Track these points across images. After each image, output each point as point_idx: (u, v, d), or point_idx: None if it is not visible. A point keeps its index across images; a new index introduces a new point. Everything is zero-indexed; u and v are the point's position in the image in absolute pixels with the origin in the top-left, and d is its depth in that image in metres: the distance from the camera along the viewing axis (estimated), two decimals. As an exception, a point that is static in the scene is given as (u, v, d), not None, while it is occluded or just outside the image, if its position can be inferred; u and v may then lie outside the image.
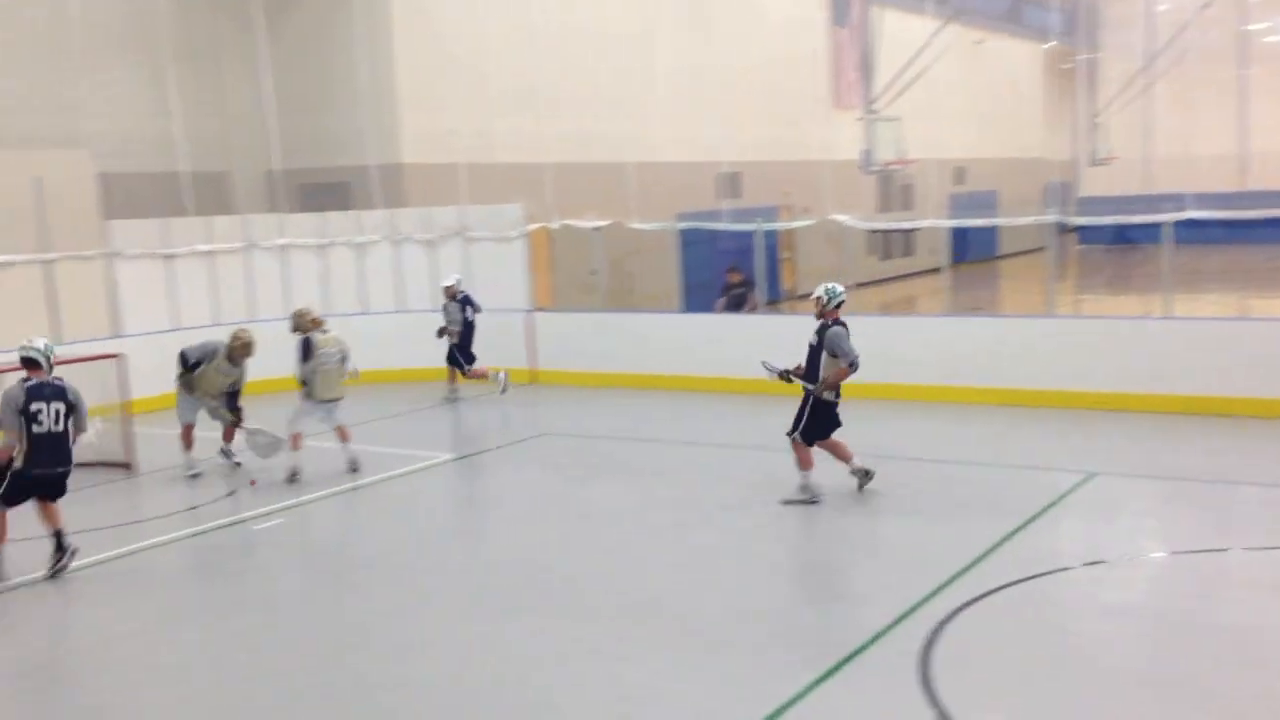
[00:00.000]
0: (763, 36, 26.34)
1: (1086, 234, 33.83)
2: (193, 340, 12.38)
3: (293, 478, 11.40)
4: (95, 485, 11.67)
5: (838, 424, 10.00)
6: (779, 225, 19.45)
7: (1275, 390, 12.37)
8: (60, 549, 8.85)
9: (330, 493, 11.13)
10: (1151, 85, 35.89)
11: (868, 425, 12.87)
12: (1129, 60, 36.55)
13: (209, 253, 16.85)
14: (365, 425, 13.43)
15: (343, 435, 11.81)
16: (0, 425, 8.67)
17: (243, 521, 10.29)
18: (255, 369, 12.50)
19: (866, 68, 27.61)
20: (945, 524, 9.34)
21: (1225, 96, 35.35)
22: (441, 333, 15.72)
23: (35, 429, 8.63)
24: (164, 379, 12.12)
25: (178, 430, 11.98)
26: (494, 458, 12.73)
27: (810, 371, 9.86)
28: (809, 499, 9.86)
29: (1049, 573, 8.02)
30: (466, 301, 15.87)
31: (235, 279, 17.02)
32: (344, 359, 11.67)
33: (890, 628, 7.11)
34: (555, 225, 17.74)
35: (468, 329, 15.78)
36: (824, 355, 9.77)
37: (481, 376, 15.73)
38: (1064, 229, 22.06)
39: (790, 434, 9.91)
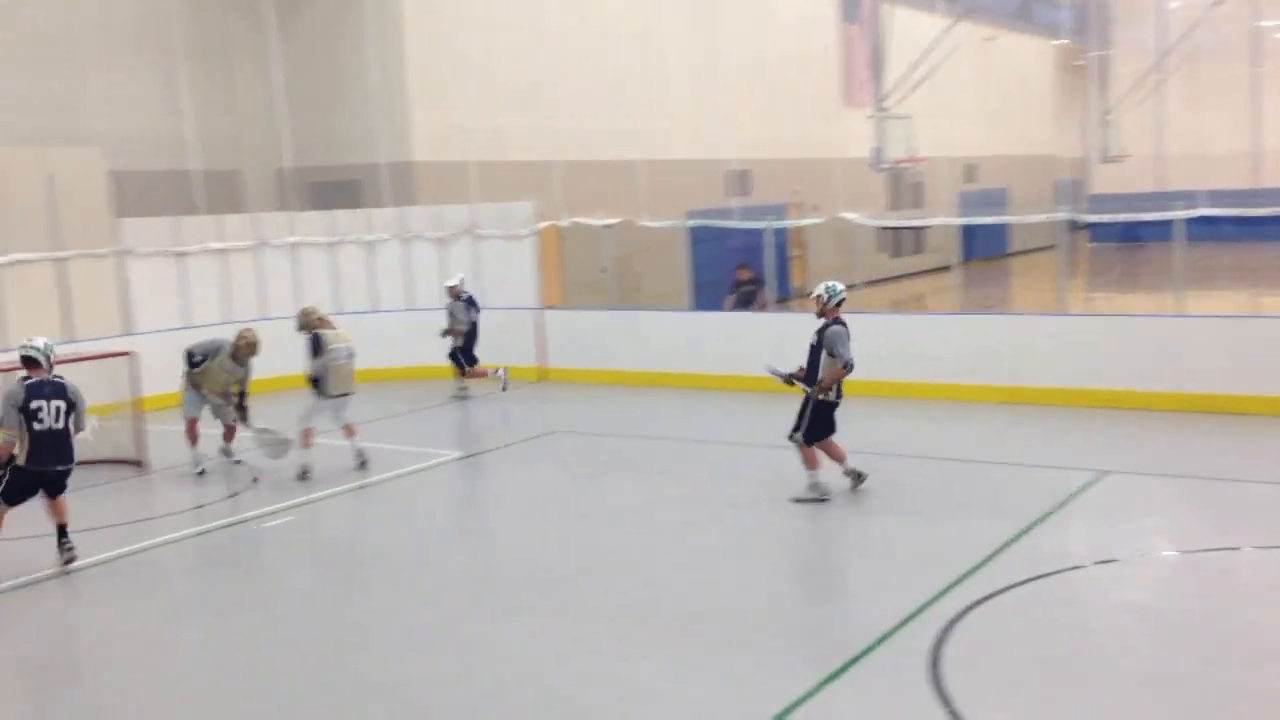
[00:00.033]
0: (772, 34, 26.31)
1: (1098, 231, 33.74)
2: (201, 338, 12.43)
3: (303, 475, 11.43)
4: (106, 483, 11.72)
5: (833, 429, 9.97)
6: (789, 223, 19.43)
7: (1288, 388, 12.33)
8: (64, 539, 8.95)
9: (339, 490, 11.15)
10: (1163, 82, 35.79)
11: (878, 423, 12.89)
12: (1140, 57, 36.44)
13: (220, 251, 16.89)
14: (374, 423, 13.46)
15: (349, 431, 11.84)
16: (1, 423, 8.73)
17: (252, 520, 10.31)
18: (267, 366, 12.55)
19: (877, 65, 27.56)
20: (955, 522, 9.33)
21: (1237, 93, 35.25)
22: (446, 333, 15.72)
23: (36, 426, 8.70)
24: (175, 376, 12.16)
25: (206, 429, 12.03)
26: (502, 455, 12.74)
27: (811, 371, 9.85)
28: (818, 497, 9.86)
29: (1060, 571, 8.00)
30: (471, 301, 15.89)
31: (246, 277, 17.06)
32: (350, 355, 11.71)
33: (900, 626, 7.10)
34: (565, 223, 17.75)
35: (472, 329, 15.80)
36: (824, 354, 9.75)
37: (481, 375, 15.77)
38: (1075, 226, 22.02)
39: (792, 435, 9.90)
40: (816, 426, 9.84)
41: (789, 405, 10.06)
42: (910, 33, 26.95)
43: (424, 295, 17.39)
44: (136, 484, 11.86)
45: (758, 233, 16.79)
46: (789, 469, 10.16)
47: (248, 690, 6.82)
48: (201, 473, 11.81)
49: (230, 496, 11.06)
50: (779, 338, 10.59)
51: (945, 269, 20.66)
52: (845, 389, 10.00)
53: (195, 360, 11.84)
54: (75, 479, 11.20)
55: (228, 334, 12.20)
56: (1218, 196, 14.81)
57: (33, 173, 14.84)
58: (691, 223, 18.47)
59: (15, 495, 8.84)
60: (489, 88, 19.46)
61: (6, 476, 8.77)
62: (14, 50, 16.18)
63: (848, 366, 9.68)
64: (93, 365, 12.22)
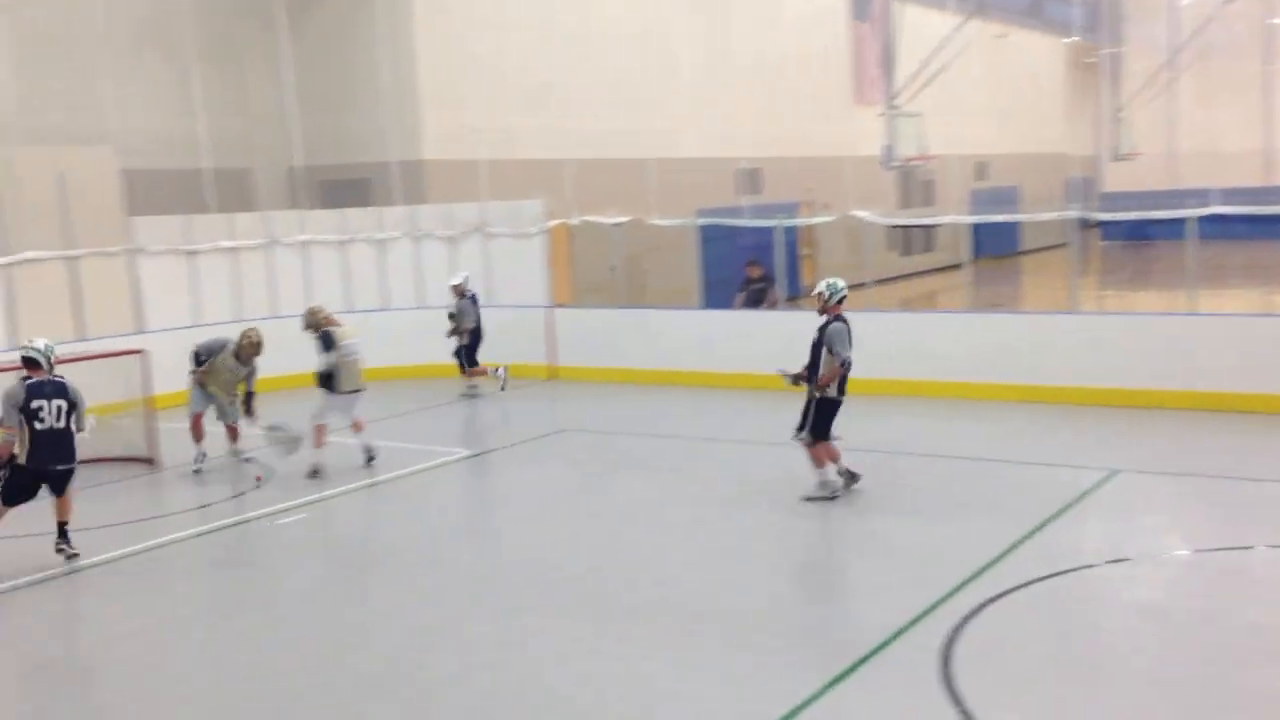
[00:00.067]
0: (783, 32, 26.28)
1: (1109, 229, 33.59)
2: (207, 337, 12.46)
3: (315, 473, 11.45)
4: (117, 481, 11.77)
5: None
6: (799, 221, 19.40)
7: (1300, 387, 12.28)
8: (63, 538, 9.01)
9: (349, 489, 11.17)
10: (1175, 80, 35.65)
11: (888, 421, 12.88)
12: (1152, 55, 36.30)
13: (231, 249, 16.93)
14: (384, 421, 13.48)
15: (357, 427, 11.87)
16: (1, 422, 8.77)
17: (262, 518, 10.33)
18: (277, 365, 12.57)
19: (887, 63, 27.50)
20: (966, 521, 9.31)
21: (1249, 91, 35.10)
22: (454, 332, 15.72)
23: (38, 426, 8.75)
24: (185, 375, 12.20)
25: (211, 426, 12.06)
26: (512, 454, 12.75)
27: (814, 369, 9.84)
28: (829, 495, 9.85)
29: (1072, 570, 7.98)
30: (475, 300, 15.90)
31: (257, 275, 17.10)
32: (359, 352, 11.75)
33: (911, 625, 7.08)
34: (575, 221, 17.75)
35: (477, 328, 15.80)
36: (824, 352, 9.74)
37: (481, 374, 15.78)
38: (1086, 224, 21.93)
39: (798, 434, 9.88)
40: (822, 424, 9.83)
41: (799, 404, 10.05)
42: (921, 30, 26.89)
43: (434, 293, 17.40)
44: (148, 481, 11.90)
45: (768, 231, 16.76)
46: (799, 468, 10.15)
47: (251, 689, 6.83)
48: (197, 471, 11.84)
49: (237, 496, 11.07)
50: (789, 336, 10.57)
51: (956, 267, 20.62)
52: (852, 387, 9.97)
53: (200, 359, 11.88)
54: (86, 477, 11.27)
55: (238, 332, 12.23)
56: (1230, 194, 14.74)
57: (45, 171, 14.90)
58: (702, 221, 18.45)
59: (15, 495, 8.89)
60: (499, 87, 19.48)
61: (6, 476, 8.82)
62: (27, 50, 16.24)
63: (845, 364, 9.67)
64: (104, 363, 12.28)
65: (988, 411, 13.33)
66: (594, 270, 18.52)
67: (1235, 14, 33.81)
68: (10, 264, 14.47)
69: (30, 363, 8.94)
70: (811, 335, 9.88)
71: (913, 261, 29.56)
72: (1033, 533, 8.79)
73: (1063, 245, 19.75)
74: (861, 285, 16.11)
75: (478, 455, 12.77)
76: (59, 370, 9.11)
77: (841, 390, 9.84)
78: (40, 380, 8.88)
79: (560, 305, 17.49)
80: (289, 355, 12.94)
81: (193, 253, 16.55)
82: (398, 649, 7.26)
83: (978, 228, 17.77)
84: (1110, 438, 11.90)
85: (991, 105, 33.52)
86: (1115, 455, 11.06)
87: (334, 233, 17.66)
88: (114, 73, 16.94)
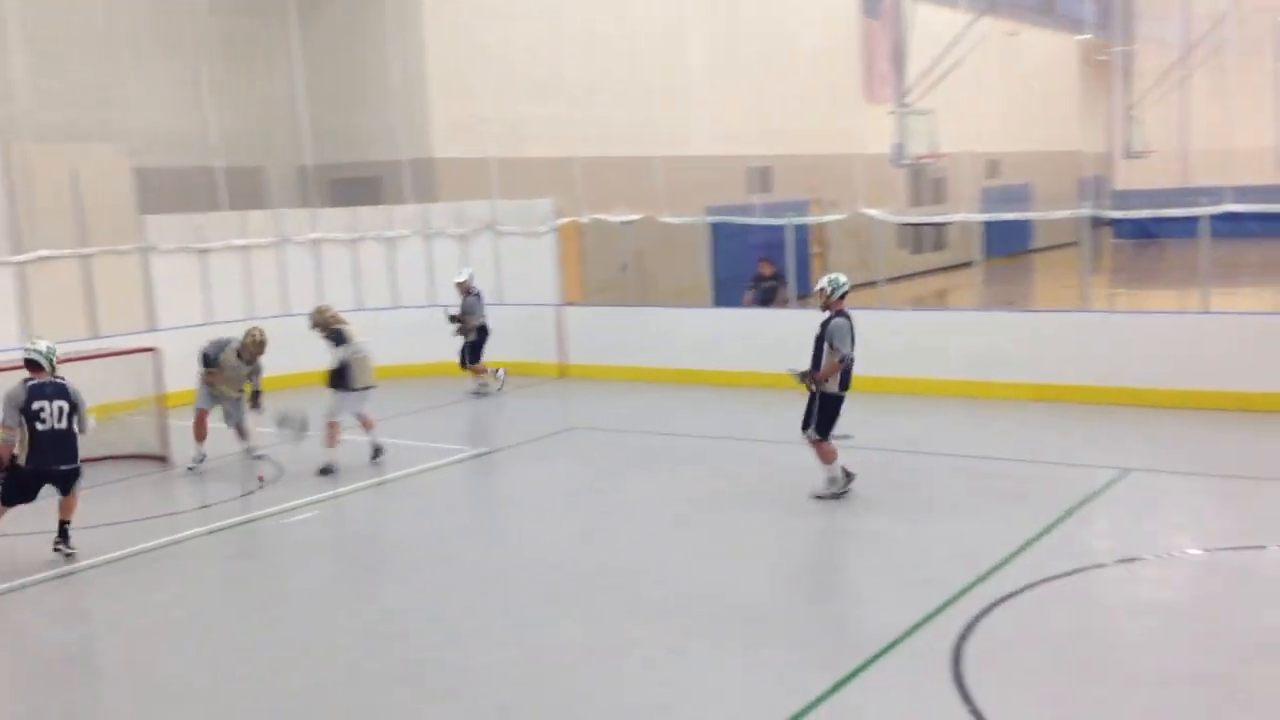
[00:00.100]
0: (794, 28, 26.22)
1: (1121, 228, 33.44)
2: (213, 337, 12.49)
3: (327, 471, 11.48)
4: (128, 478, 11.81)
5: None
6: (809, 219, 19.37)
7: (1314, 386, 12.23)
8: (64, 536, 9.07)
9: (360, 486, 11.19)
10: (1188, 77, 35.49)
11: (899, 420, 12.86)
12: (1165, 52, 36.15)
13: (243, 247, 16.98)
14: (395, 419, 13.51)
15: (367, 424, 11.89)
16: (2, 422, 8.82)
17: (272, 516, 10.35)
18: (287, 363, 12.59)
19: (898, 60, 27.44)
20: (977, 520, 9.29)
21: (1263, 88, 34.88)
22: (462, 330, 15.72)
23: (39, 427, 8.80)
24: (195, 376, 12.24)
25: (216, 423, 12.09)
26: (522, 452, 12.76)
27: (816, 365, 9.84)
28: (838, 491, 9.84)
29: (1083, 569, 7.96)
30: (480, 297, 15.91)
31: (268, 273, 17.15)
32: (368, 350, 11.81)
33: (922, 623, 7.08)
34: (585, 219, 17.75)
35: (483, 326, 15.81)
36: (825, 347, 9.74)
37: (481, 372, 15.80)
38: (1098, 222, 21.85)
39: (806, 432, 9.87)
40: (828, 420, 9.82)
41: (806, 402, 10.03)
42: (932, 27, 26.81)
43: (444, 291, 17.41)
44: (159, 479, 11.93)
45: (778, 229, 16.75)
46: (810, 465, 10.14)
47: (261, 686, 6.84)
48: (191, 470, 11.85)
49: (246, 494, 11.08)
50: (799, 335, 10.55)
51: (967, 265, 20.56)
52: (863, 385, 9.96)
53: (209, 360, 11.90)
54: (98, 474, 11.35)
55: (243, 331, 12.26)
56: (1243, 192, 14.65)
57: (58, 170, 14.96)
58: (712, 219, 18.43)
59: (14, 496, 8.93)
60: (510, 83, 19.48)
61: (6, 476, 8.86)
62: (40, 49, 16.28)
63: (844, 360, 9.66)
64: (116, 361, 12.33)
65: (999, 410, 13.30)
66: (604, 268, 18.52)
67: (1249, 10, 33.63)
68: (24, 262, 14.52)
69: (32, 364, 8.99)
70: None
71: (924, 260, 29.50)
72: (1044, 531, 8.77)
73: (1074, 243, 19.69)
74: (872, 283, 16.09)
75: (488, 453, 12.79)
76: (70, 368, 9.16)
77: (844, 386, 9.82)
78: (42, 382, 8.93)
79: (570, 303, 17.50)
80: (298, 353, 12.95)
81: (204, 251, 16.61)
82: (410, 646, 7.27)
83: (989, 226, 17.68)
84: (1122, 436, 11.86)
85: (1003, 103, 33.39)
86: (1127, 454, 11.03)
87: (345, 231, 17.70)
88: (126, 72, 16.99)
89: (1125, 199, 29.11)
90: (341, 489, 11.07)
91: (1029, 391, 13.57)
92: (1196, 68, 35.52)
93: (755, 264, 19.10)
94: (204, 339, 12.41)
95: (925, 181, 30.49)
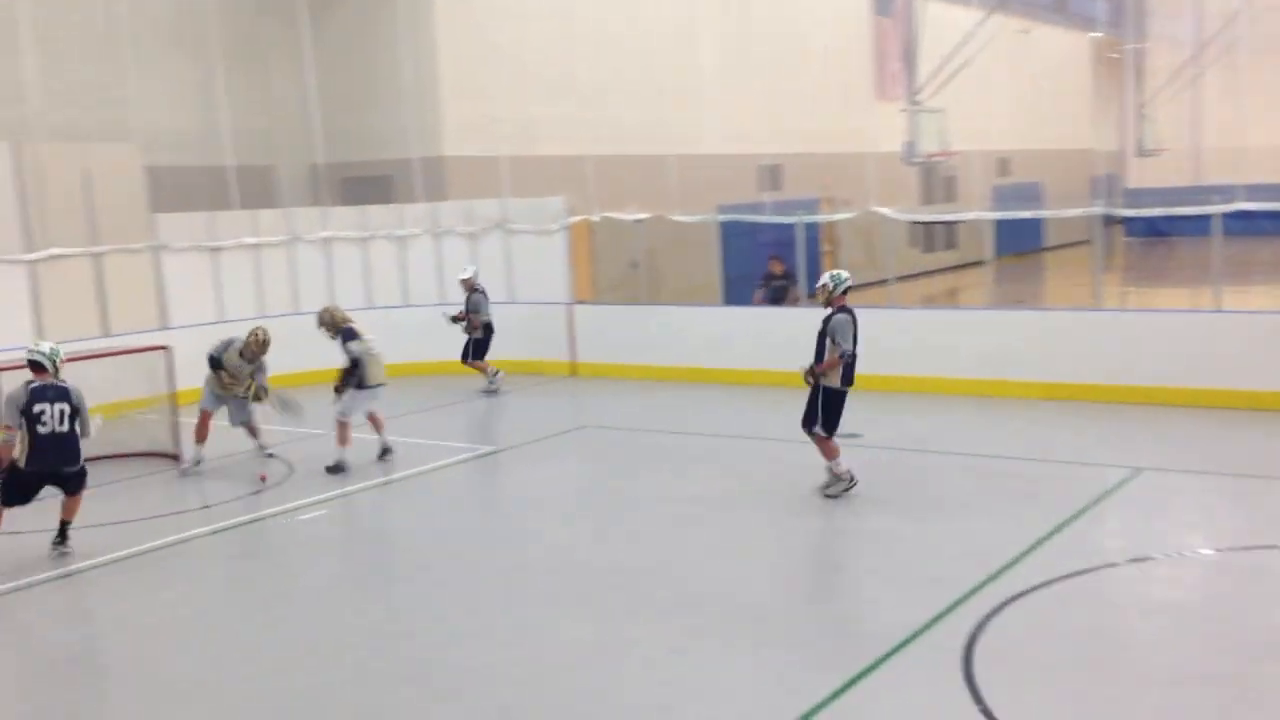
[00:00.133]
0: (805, 27, 26.19)
1: (1133, 226, 33.37)
2: (219, 337, 12.53)
3: (337, 469, 11.50)
4: (140, 476, 11.85)
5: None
6: (820, 218, 19.34)
7: (1327, 385, 12.17)
8: (63, 535, 9.12)
9: (370, 485, 11.21)
10: (1200, 75, 35.34)
11: (910, 418, 12.84)
12: (1177, 50, 36.00)
13: (254, 245, 17.02)
14: (405, 417, 13.53)
15: (377, 424, 11.91)
16: (3, 423, 8.85)
17: (282, 514, 10.38)
18: (297, 361, 12.60)
19: (909, 58, 27.38)
20: (988, 519, 9.27)
21: (1276, 87, 34.71)
22: (470, 328, 15.73)
23: (39, 429, 8.81)
24: (204, 378, 12.28)
25: (220, 423, 12.12)
26: (533, 450, 12.76)
27: (819, 361, 9.83)
28: (847, 485, 9.82)
29: (1095, 569, 7.94)
30: (485, 294, 15.92)
31: (279, 271, 17.19)
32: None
33: (933, 623, 7.06)
34: (596, 218, 17.75)
35: (488, 324, 15.82)
36: (828, 342, 9.74)
37: (480, 371, 15.81)
38: (1110, 221, 21.78)
39: (813, 430, 9.85)
40: (832, 416, 9.80)
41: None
42: (943, 25, 26.75)
43: (455, 290, 17.43)
44: (169, 478, 11.92)
45: (789, 228, 16.72)
46: (820, 464, 10.13)
47: (269, 684, 6.85)
48: (184, 472, 11.86)
49: (256, 493, 11.10)
50: (810, 333, 10.54)
51: (978, 264, 20.52)
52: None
53: (215, 362, 11.93)
54: (109, 473, 11.39)
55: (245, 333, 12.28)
56: (1255, 191, 14.58)
57: (70, 168, 15.01)
58: (722, 217, 18.42)
59: (14, 496, 8.95)
60: (521, 82, 19.48)
61: (6, 477, 8.88)
62: (53, 48, 16.34)
63: (844, 355, 9.64)
64: (128, 359, 12.37)
65: (1010, 409, 13.27)
66: (615, 267, 18.52)
67: (1261, 9, 33.46)
68: (36, 260, 14.58)
69: (36, 366, 8.98)
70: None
71: (935, 258, 29.44)
72: (1055, 531, 8.75)
73: (1086, 242, 19.63)
74: (883, 282, 16.06)
75: (498, 451, 12.80)
76: (82, 367, 9.18)
77: (848, 381, 9.81)
78: (44, 384, 8.93)
79: (581, 302, 17.50)
80: (307, 353, 12.97)
81: (215, 249, 16.65)
82: (417, 645, 7.28)
83: (1000, 224, 17.63)
84: (1134, 436, 11.82)
85: (1014, 101, 33.28)
86: (1139, 453, 11.00)
87: (355, 229, 17.73)
88: (138, 70, 17.03)
89: (1137, 197, 29.04)
90: (351, 487, 11.09)
91: (1040, 390, 13.53)
92: (1209, 66, 35.35)
93: (766, 262, 19.08)
94: (215, 337, 12.45)
95: (936, 180, 30.43)
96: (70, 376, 9.23)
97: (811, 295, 16.13)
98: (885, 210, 16.47)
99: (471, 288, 15.83)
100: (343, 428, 11.63)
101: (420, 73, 18.68)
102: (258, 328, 11.98)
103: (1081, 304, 18.14)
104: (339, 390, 11.74)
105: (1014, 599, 7.39)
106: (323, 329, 11.81)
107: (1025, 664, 6.56)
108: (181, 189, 17.07)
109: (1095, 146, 38.18)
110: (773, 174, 24.35)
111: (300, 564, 9.26)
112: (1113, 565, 8.11)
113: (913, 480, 10.41)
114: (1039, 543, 8.48)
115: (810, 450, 10.25)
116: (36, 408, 8.80)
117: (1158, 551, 8.36)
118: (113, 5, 16.78)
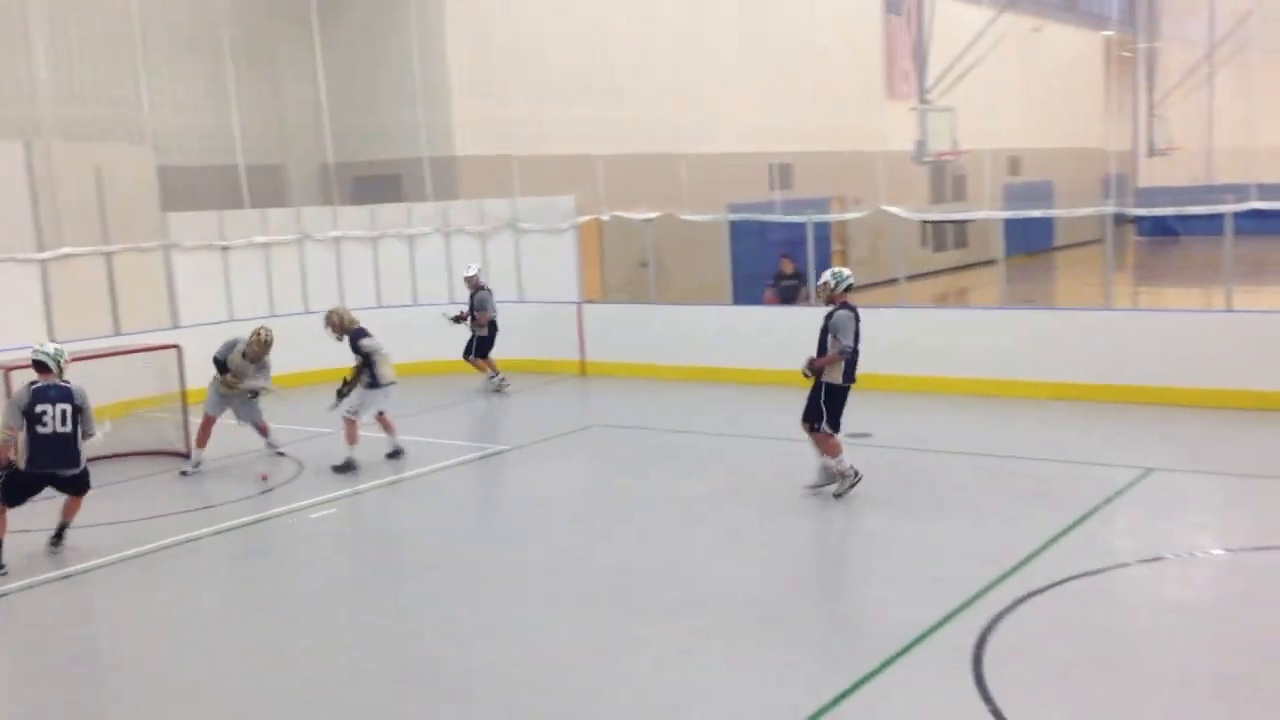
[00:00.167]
0: (816, 26, 26.17)
1: (1144, 225, 33.28)
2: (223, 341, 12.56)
3: (346, 468, 11.51)
4: (149, 475, 11.88)
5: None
6: (830, 217, 19.32)
7: (1340, 385, 12.11)
8: (60, 536, 9.16)
9: (377, 484, 11.22)
10: (1213, 74, 35.24)
11: (920, 418, 12.81)
12: (1189, 49, 35.92)
13: (264, 244, 17.06)
14: (413, 416, 13.55)
15: (387, 426, 11.93)
16: (4, 423, 8.87)
17: (291, 513, 10.39)
18: (306, 360, 12.60)
19: (920, 57, 27.36)
20: (999, 519, 9.24)
21: (1289, 86, 34.55)
22: (476, 325, 15.73)
23: (40, 430, 8.81)
24: (211, 379, 12.31)
25: (229, 421, 12.15)
26: (542, 449, 12.76)
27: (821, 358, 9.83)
28: (854, 481, 9.80)
29: (1106, 569, 7.91)
30: (490, 292, 15.92)
31: (290, 270, 17.22)
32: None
33: (943, 622, 7.04)
34: (606, 217, 17.74)
35: (492, 323, 15.82)
36: (830, 339, 9.72)
37: (480, 369, 15.82)
38: (1121, 220, 21.71)
39: (815, 428, 9.83)
40: (836, 413, 9.79)
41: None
42: (954, 24, 26.74)
43: (464, 289, 17.47)
44: (178, 476, 11.96)
45: (800, 226, 16.70)
46: (829, 464, 10.11)
47: (276, 684, 6.85)
48: (183, 474, 11.87)
49: (265, 492, 11.09)
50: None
51: (988, 263, 20.46)
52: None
53: (223, 365, 11.94)
54: (119, 471, 11.43)
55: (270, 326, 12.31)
56: (1267, 190, 14.51)
57: (82, 168, 15.06)
58: (733, 216, 18.40)
59: (14, 497, 8.96)
60: (530, 81, 19.51)
61: (6, 477, 8.88)
62: (65, 48, 16.41)
63: (844, 352, 9.63)
64: (139, 358, 12.41)
65: (1020, 408, 13.23)
66: (625, 266, 18.51)
67: (1273, 9, 33.33)
68: (48, 259, 14.63)
69: (40, 366, 8.99)
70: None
71: (945, 257, 29.39)
72: (1066, 531, 8.72)
73: (1097, 241, 19.55)
74: (893, 281, 16.03)
75: (507, 450, 12.80)
76: (93, 365, 9.20)
77: (849, 378, 9.79)
78: (46, 385, 8.93)
79: (591, 301, 17.50)
80: (315, 352, 12.98)
81: (226, 248, 16.69)
82: (427, 644, 7.28)
83: (1010, 223, 17.57)
84: (1144, 436, 11.78)
85: (1025, 100, 33.24)
86: (1149, 453, 10.96)
87: (365, 228, 17.76)
88: (150, 71, 17.10)
89: (1148, 196, 28.96)
90: (359, 486, 11.11)
91: (1050, 390, 13.49)
92: (1221, 65, 35.26)
93: (776, 261, 19.07)
94: (226, 336, 12.47)
95: (946, 178, 30.39)
96: (79, 375, 9.25)
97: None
98: (895, 209, 16.44)
99: (476, 285, 15.85)
100: (351, 426, 11.65)
101: (430, 72, 18.71)
102: (260, 328, 12.00)
103: (1092, 303, 18.08)
104: (341, 393, 11.76)
105: (1025, 598, 7.37)
106: (329, 330, 11.82)
107: (1036, 664, 6.54)
108: (192, 188, 17.13)
109: (1106, 145, 38.07)
110: (784, 172, 24.34)
111: (307, 563, 9.27)
112: (1124, 565, 8.08)
113: (920, 479, 10.38)
114: (1050, 542, 8.45)
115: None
116: (38, 408, 8.81)
117: (1169, 551, 8.33)
118: (124, 6, 16.85)
